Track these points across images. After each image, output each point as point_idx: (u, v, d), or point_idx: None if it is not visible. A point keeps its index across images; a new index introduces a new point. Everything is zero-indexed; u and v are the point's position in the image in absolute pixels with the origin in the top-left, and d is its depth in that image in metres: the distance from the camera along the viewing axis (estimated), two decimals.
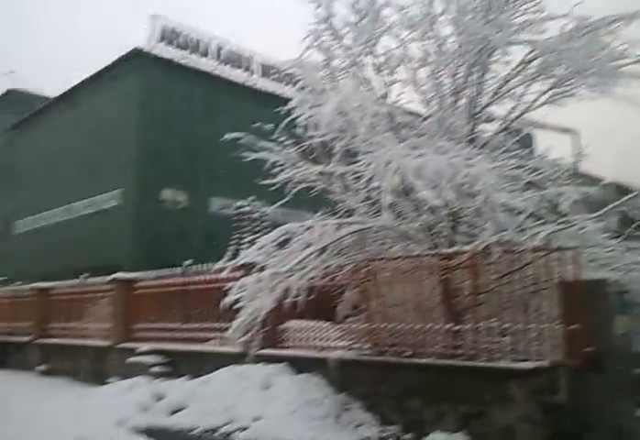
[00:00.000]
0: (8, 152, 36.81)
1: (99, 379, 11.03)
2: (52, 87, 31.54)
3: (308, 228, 6.73)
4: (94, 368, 11.94)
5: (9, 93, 38.35)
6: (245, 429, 6.27)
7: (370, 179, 5.82)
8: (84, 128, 28.86)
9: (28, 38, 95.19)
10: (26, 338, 14.65)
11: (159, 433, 6.55)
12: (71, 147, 29.47)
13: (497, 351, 5.90)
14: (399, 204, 6.85)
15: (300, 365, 7.53)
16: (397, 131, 7.03)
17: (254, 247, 7.03)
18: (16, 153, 36.03)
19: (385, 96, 7.22)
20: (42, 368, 13.34)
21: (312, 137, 6.64)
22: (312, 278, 6.60)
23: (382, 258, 7.07)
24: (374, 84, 7.27)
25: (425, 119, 7.44)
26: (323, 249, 6.56)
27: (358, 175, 6.65)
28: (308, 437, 5.88)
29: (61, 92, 30.96)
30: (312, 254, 6.49)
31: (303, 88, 7.17)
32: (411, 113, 7.65)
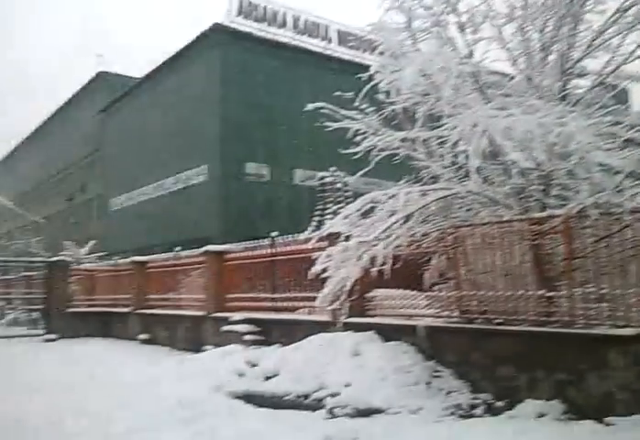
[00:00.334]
0: (101, 133, 38.64)
1: (195, 346, 11.56)
2: (139, 69, 32.50)
3: (392, 196, 6.65)
4: (190, 336, 12.51)
5: (99, 75, 40.04)
6: (336, 395, 6.38)
7: (456, 143, 5.65)
8: (170, 107, 29.77)
9: (114, 21, 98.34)
10: (126, 309, 15.54)
11: (255, 398, 6.79)
12: (159, 125, 30.53)
13: (594, 317, 5.66)
14: (486, 168, 6.63)
15: (388, 333, 7.55)
16: (483, 92, 6.75)
17: (339, 216, 7.04)
18: (107, 134, 37.78)
19: (470, 56, 6.92)
20: (143, 336, 14.13)
21: (394, 103, 6.49)
22: (397, 246, 6.55)
23: (470, 225, 6.89)
24: (458, 44, 6.99)
25: (513, 78, 7.11)
26: (408, 217, 6.48)
27: (442, 140, 6.48)
28: (399, 404, 5.91)
29: (147, 72, 31.91)
30: (397, 222, 6.42)
31: (383, 53, 6.99)
32: (497, 72, 7.33)
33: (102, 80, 39.83)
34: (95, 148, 40.05)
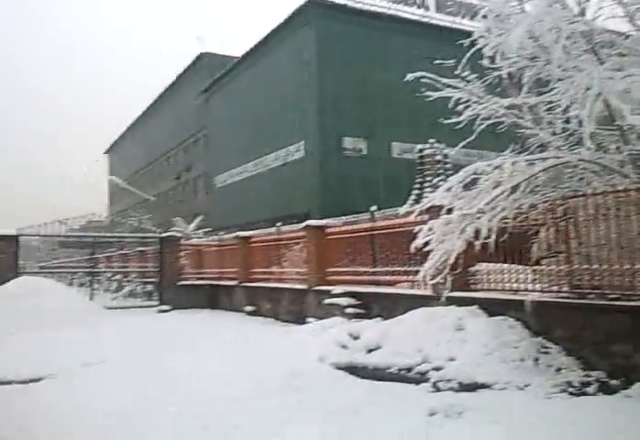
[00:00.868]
0: (204, 113, 39.98)
1: (298, 318, 11.87)
2: (239, 48, 33.16)
3: (497, 167, 6.41)
4: (293, 308, 12.85)
5: (200, 57, 41.29)
6: (439, 369, 6.33)
7: (567, 108, 5.34)
8: (268, 84, 30.25)
9: (214, 2, 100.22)
10: (232, 282, 16.18)
11: (358, 369, 6.89)
12: (258, 103, 31.14)
13: None
14: (601, 134, 6.22)
15: (492, 307, 7.36)
16: (596, 52, 6.29)
17: (440, 189, 6.89)
18: (210, 113, 39.04)
19: (581, 14, 6.45)
20: (248, 308, 14.68)
21: (498, 69, 6.21)
22: (502, 218, 6.33)
23: (582, 195, 6.52)
24: (568, 2, 6.53)
25: (629, 36, 6.56)
26: (514, 188, 6.22)
27: (552, 105, 6.13)
28: (505, 379, 5.77)
29: (246, 51, 32.47)
30: (502, 193, 6.19)
31: (486, 16, 6.66)
32: (611, 30, 6.78)
33: (203, 61, 41.11)
34: (199, 128, 41.58)
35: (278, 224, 14.49)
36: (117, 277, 21.43)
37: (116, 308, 16.41)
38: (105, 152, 71.62)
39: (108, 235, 18.85)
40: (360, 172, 26.23)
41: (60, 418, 5.00)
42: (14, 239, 15.54)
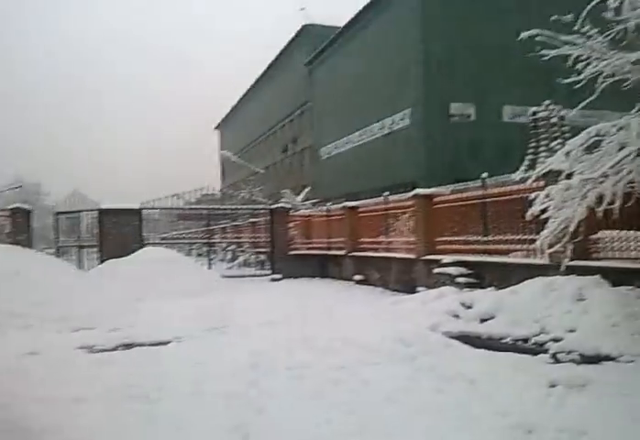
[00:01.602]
0: (309, 85, 40.25)
1: (407, 288, 11.88)
2: (342, 18, 32.88)
3: (622, 127, 5.97)
4: (402, 278, 12.86)
5: (304, 28, 41.40)
6: (558, 340, 6.12)
7: None
8: (372, 52, 29.84)
9: None
10: (341, 252, 16.41)
11: (471, 339, 6.81)
12: (362, 72, 30.85)
13: None
14: None
15: (616, 277, 6.98)
16: None
17: (559, 153, 6.53)
18: (315, 85, 39.24)
19: None
20: (357, 277, 14.88)
21: (625, 21, 5.72)
22: (629, 182, 5.91)
23: None
24: None
25: None
26: None
27: None
28: (633, 352, 5.47)
29: (348, 20, 32.14)
30: (628, 156, 5.77)
31: None
32: None
33: (307, 32, 41.17)
34: (305, 100, 41.96)
35: (385, 193, 14.44)
36: (231, 247, 22.39)
37: (232, 277, 17.22)
38: (216, 128, 74.26)
39: (222, 207, 19.63)
40: (469, 139, 25.40)
41: (184, 375, 5.37)
42: (138, 213, 16.64)
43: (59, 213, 17.78)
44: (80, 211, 17.07)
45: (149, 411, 4.38)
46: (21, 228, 15.89)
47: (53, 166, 76.81)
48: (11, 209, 16.18)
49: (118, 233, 16.04)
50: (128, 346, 7.21)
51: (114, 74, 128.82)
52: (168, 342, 7.32)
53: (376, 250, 14.52)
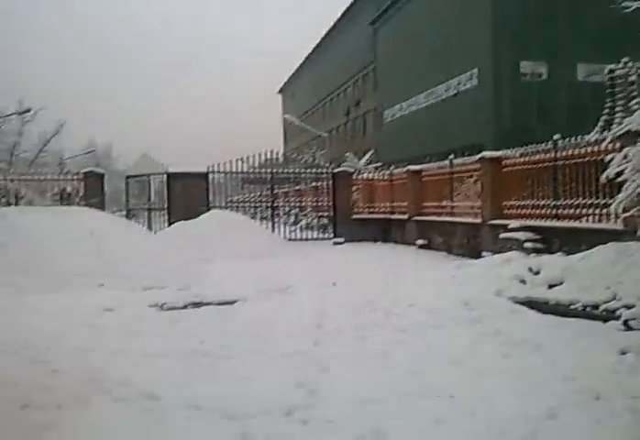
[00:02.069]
0: (372, 46, 39.44)
1: (471, 253, 11.71)
2: None
3: None
4: (467, 243, 12.67)
5: None
6: (631, 307, 5.88)
7: None
8: (438, 11, 28.85)
9: None
10: (403, 216, 16.30)
11: (538, 304, 6.65)
12: (428, 32, 29.95)
13: None
14: None
15: None
16: None
17: (638, 112, 6.19)
18: (379, 46, 38.42)
19: None
20: (420, 242, 14.77)
21: None
22: None
23: None
24: None
25: None
26: None
27: None
28: None
29: None
30: None
31: None
32: None
33: None
34: (368, 61, 41.22)
35: (450, 156, 14.13)
36: (294, 211, 22.60)
37: (295, 240, 17.45)
38: (279, 92, 74.26)
39: (285, 171, 19.75)
40: (539, 99, 24.43)
41: (250, 333, 5.53)
42: (204, 176, 17.00)
43: (129, 176, 18.38)
44: (149, 174, 17.58)
45: (216, 366, 4.54)
46: (94, 191, 16.55)
47: (124, 131, 79.26)
48: (85, 173, 16.85)
49: (186, 196, 16.47)
50: (197, 304, 7.47)
51: (182, 41, 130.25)
52: (234, 301, 7.52)
53: (440, 215, 14.33)
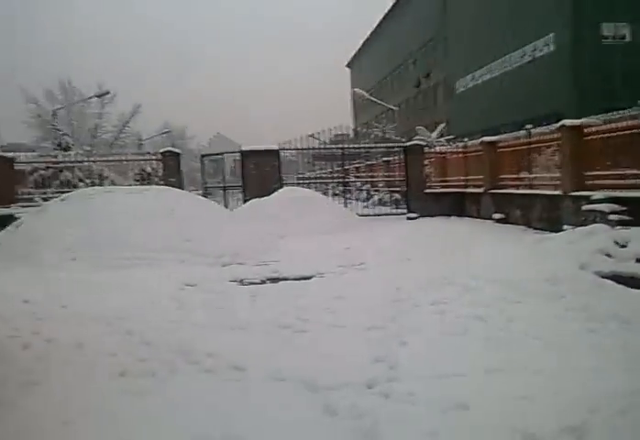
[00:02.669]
0: (441, 14, 38.26)
1: (551, 226, 11.33)
2: None
3: None
4: (546, 215, 12.26)
5: None
6: None
7: None
8: None
9: None
10: (479, 189, 15.92)
11: (626, 279, 6.37)
12: None
13: None
14: None
15: None
16: None
17: None
18: (448, 13, 37.22)
19: None
20: (496, 216, 14.41)
21: None
22: None
23: None
24: None
25: None
26: None
27: None
28: None
29: None
30: None
31: None
32: None
33: None
34: (438, 30, 40.07)
35: (527, 126, 13.62)
36: (366, 187, 22.54)
37: (368, 215, 17.43)
38: (347, 66, 73.52)
39: (355, 146, 19.67)
40: (623, 63, 23.06)
41: (327, 308, 5.61)
42: (276, 153, 17.18)
43: (204, 155, 18.83)
44: (223, 153, 17.94)
45: (297, 339, 4.65)
46: (172, 171, 17.08)
47: (197, 112, 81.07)
48: (162, 153, 17.39)
49: (259, 173, 16.73)
50: (274, 279, 7.65)
51: (251, 25, 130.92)
52: (310, 277, 7.65)
53: (517, 187, 13.91)
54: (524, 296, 5.66)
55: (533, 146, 13.21)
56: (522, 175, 13.73)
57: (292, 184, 17.46)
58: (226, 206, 16.72)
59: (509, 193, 14.15)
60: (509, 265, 7.22)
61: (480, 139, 15.91)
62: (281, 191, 15.17)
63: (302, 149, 17.89)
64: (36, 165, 17.66)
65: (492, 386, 3.51)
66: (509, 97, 28.28)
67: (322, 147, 18.57)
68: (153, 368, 3.89)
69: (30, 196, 16.66)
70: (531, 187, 13.27)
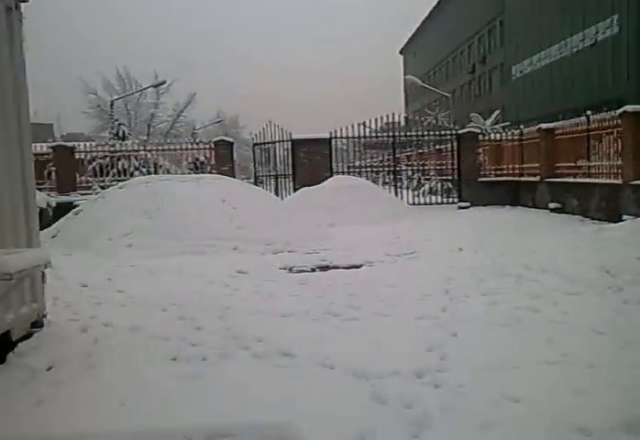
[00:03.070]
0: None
1: (610, 216, 10.94)
2: None
3: None
4: (604, 205, 11.85)
5: None
6: None
7: None
8: None
9: None
10: (534, 178, 15.51)
11: None
12: None
13: None
14: None
15: None
16: None
17: None
18: None
19: None
20: (552, 205, 14.02)
21: None
22: None
23: None
24: None
25: None
26: None
27: None
28: None
29: None
30: None
31: None
32: None
33: None
34: (494, 15, 39.02)
35: (587, 112, 13.15)
36: (416, 175, 22.26)
37: (418, 204, 17.25)
38: (400, 52, 72.58)
39: (407, 134, 19.42)
40: None
41: (377, 296, 5.59)
42: (327, 142, 17.17)
43: (255, 144, 18.99)
44: (274, 142, 18.05)
45: (346, 327, 4.66)
46: (225, 159, 17.33)
47: (249, 100, 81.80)
48: (215, 142, 17.65)
49: (309, 162, 16.78)
50: (324, 268, 7.68)
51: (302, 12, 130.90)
52: (360, 265, 7.65)
53: (575, 176, 13.48)
54: (580, 287, 5.51)
55: (592, 133, 12.76)
56: (580, 163, 13.28)
57: (343, 173, 17.42)
58: (276, 195, 16.85)
59: (566, 182, 13.74)
60: (565, 255, 7.02)
61: (537, 126, 15.48)
62: (331, 179, 15.17)
63: (353, 138, 17.79)
64: (94, 154, 18.22)
65: (546, 379, 3.43)
66: (568, 83, 27.37)
67: (373, 135, 18.43)
68: (204, 353, 3.97)
69: (89, 184, 17.23)
70: (589, 176, 12.84)
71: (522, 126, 17.80)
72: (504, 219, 12.98)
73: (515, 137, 17.37)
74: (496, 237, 9.59)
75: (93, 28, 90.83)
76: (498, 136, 18.91)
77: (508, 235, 9.86)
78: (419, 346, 4.04)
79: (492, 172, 18.08)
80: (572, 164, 13.64)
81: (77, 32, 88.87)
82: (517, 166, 17.01)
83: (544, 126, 15.06)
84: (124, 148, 18.43)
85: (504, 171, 17.72)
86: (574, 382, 3.33)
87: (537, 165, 15.35)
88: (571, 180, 13.52)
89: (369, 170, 19.89)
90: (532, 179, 15.69)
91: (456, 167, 17.94)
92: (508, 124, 25.97)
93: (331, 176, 16.00)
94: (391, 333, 4.45)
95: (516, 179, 16.89)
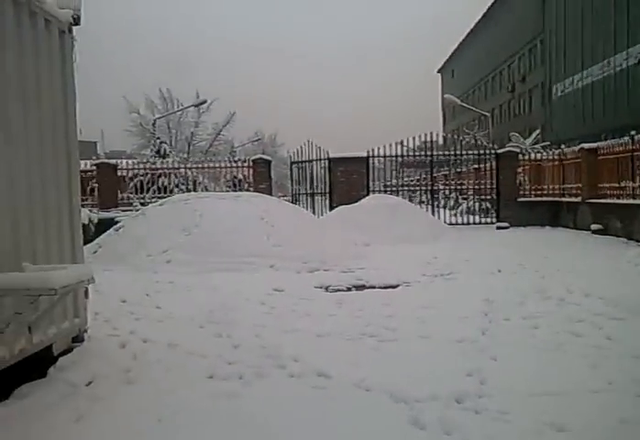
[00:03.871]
0: (540, 16, 36.94)
1: None
2: None
3: None
4: None
5: None
6: None
7: None
8: None
9: None
10: (575, 199, 15.20)
11: None
12: None
13: None
14: None
15: None
16: None
17: None
18: (547, 15, 35.88)
19: None
20: (594, 226, 13.68)
21: None
22: None
23: None
24: None
25: None
26: None
27: None
28: None
29: None
30: None
31: None
32: None
33: None
34: (534, 34, 38.75)
35: (632, 132, 12.86)
36: (454, 194, 22.05)
37: (456, 224, 17.05)
38: (438, 71, 72.55)
39: (444, 153, 19.30)
40: None
41: (414, 318, 5.52)
42: (364, 160, 17.18)
43: (293, 162, 19.14)
44: (311, 160, 18.16)
45: (383, 348, 4.60)
46: (262, 177, 17.50)
47: (287, 119, 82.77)
48: (254, 160, 17.85)
49: (346, 180, 16.80)
50: (360, 287, 7.63)
51: (343, 37, 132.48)
52: (397, 286, 7.57)
53: (619, 197, 13.15)
54: (624, 313, 5.34)
55: (637, 153, 12.46)
56: (624, 184, 12.97)
57: (379, 191, 17.38)
58: (313, 213, 16.89)
59: (609, 203, 13.41)
60: (609, 279, 6.84)
61: (579, 146, 15.20)
62: (368, 198, 15.15)
63: (390, 157, 17.77)
64: (136, 171, 18.63)
65: (590, 407, 3.31)
66: (611, 102, 26.88)
67: (410, 154, 18.37)
68: (241, 372, 3.97)
69: (130, 201, 17.59)
70: (634, 197, 12.51)
71: (562, 146, 17.51)
72: (544, 240, 12.73)
73: (556, 157, 17.09)
74: (536, 259, 9.40)
75: (140, 50, 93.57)
76: (538, 155, 18.64)
77: (548, 256, 9.65)
78: (458, 370, 3.96)
79: (532, 192, 17.80)
80: (616, 185, 13.33)
81: (124, 54, 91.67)
82: (558, 186, 16.70)
83: (586, 146, 14.79)
84: (164, 166, 18.81)
85: (544, 191, 17.43)
86: (620, 411, 3.22)
87: (579, 185, 15.05)
88: (615, 201, 13.20)
89: (405, 188, 19.81)
90: (573, 199, 15.38)
91: (495, 186, 17.72)
92: (548, 143, 25.59)
93: (368, 194, 15.98)
94: (429, 355, 4.38)
95: (557, 199, 16.58)
